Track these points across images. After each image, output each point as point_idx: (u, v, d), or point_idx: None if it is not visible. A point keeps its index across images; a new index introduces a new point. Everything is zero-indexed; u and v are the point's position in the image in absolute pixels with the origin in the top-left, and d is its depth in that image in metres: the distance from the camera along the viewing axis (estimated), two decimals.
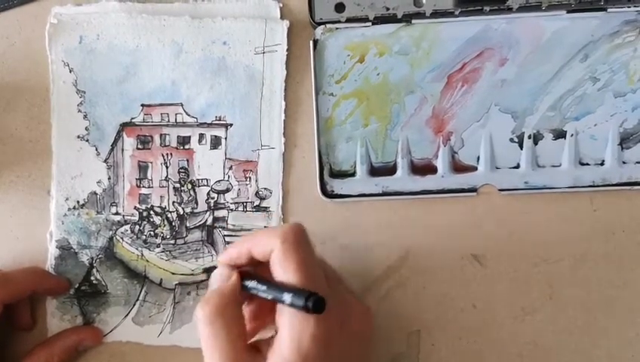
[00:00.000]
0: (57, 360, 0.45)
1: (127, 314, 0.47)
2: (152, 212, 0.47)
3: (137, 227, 0.47)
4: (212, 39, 0.46)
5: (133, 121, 0.47)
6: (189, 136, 0.47)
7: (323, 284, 0.37)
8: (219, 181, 0.47)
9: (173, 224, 0.47)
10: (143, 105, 0.47)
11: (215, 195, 0.47)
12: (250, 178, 0.47)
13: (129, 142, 0.47)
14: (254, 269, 0.39)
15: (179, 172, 0.47)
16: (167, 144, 0.47)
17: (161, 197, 0.47)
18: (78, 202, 0.47)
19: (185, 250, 0.47)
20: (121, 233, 0.47)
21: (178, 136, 0.47)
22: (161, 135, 0.47)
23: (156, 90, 0.47)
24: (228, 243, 0.47)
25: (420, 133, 0.46)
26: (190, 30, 0.46)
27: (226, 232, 0.47)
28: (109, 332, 0.47)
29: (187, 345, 0.46)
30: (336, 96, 0.46)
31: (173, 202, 0.47)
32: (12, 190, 0.47)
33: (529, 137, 0.46)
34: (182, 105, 0.47)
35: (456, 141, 0.46)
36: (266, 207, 0.47)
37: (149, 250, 0.47)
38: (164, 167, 0.47)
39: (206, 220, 0.47)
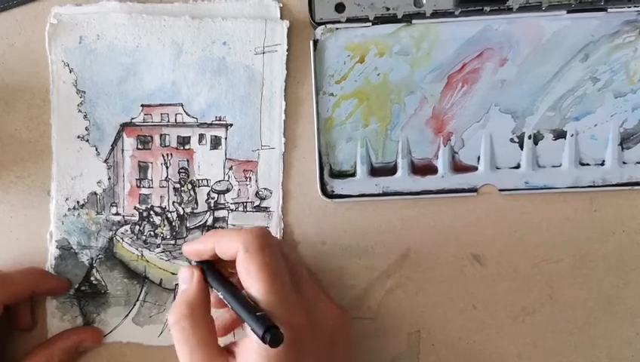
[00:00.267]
0: (57, 361, 0.45)
1: (127, 315, 0.47)
2: (152, 212, 0.47)
3: (137, 227, 0.47)
4: (212, 39, 0.46)
5: (133, 121, 0.47)
6: (189, 137, 0.47)
7: (287, 290, 0.37)
8: (219, 181, 0.47)
9: (174, 224, 0.47)
10: (143, 105, 0.47)
11: (215, 195, 0.47)
12: (250, 178, 0.47)
13: (129, 142, 0.47)
14: (222, 262, 0.40)
15: (179, 172, 0.47)
16: (167, 144, 0.47)
17: (161, 197, 0.47)
18: (78, 202, 0.47)
19: None
20: (121, 233, 0.47)
21: (178, 137, 0.47)
22: (161, 135, 0.47)
23: (156, 90, 0.47)
24: None
25: (420, 134, 0.46)
26: (190, 30, 0.46)
27: None
28: (109, 332, 0.47)
29: None
30: (337, 97, 0.46)
31: (174, 202, 0.47)
32: (12, 190, 0.47)
33: (529, 137, 0.46)
34: (182, 105, 0.47)
35: (456, 141, 0.46)
36: (266, 207, 0.47)
37: (149, 250, 0.47)
38: (164, 167, 0.47)
39: (206, 220, 0.47)
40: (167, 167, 0.47)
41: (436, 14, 0.46)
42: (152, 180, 0.47)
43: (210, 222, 0.47)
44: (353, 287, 0.47)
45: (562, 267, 0.46)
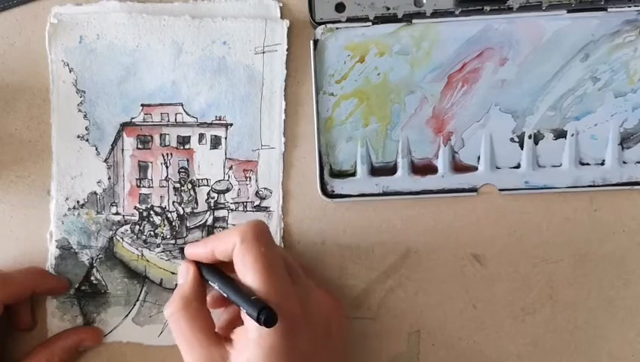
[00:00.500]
0: (58, 361, 0.45)
1: (127, 314, 0.47)
2: (152, 212, 0.47)
3: (137, 227, 0.47)
4: (212, 39, 0.46)
5: (133, 120, 0.47)
6: (189, 136, 0.47)
7: (282, 280, 0.38)
8: (219, 181, 0.47)
9: (174, 224, 0.47)
10: (143, 105, 0.47)
11: (215, 195, 0.47)
12: (250, 178, 0.47)
13: (129, 142, 0.47)
14: (221, 267, 0.41)
15: (179, 172, 0.47)
16: (167, 144, 0.47)
17: (161, 197, 0.47)
18: (78, 202, 0.47)
19: None
20: (121, 233, 0.47)
21: (178, 136, 0.47)
22: (161, 135, 0.47)
23: (156, 90, 0.47)
24: None
25: (421, 133, 0.46)
26: (190, 30, 0.46)
27: None
28: (109, 332, 0.47)
29: None
30: (337, 96, 0.46)
31: (174, 202, 0.47)
32: (12, 190, 0.47)
33: (529, 137, 0.46)
34: (182, 105, 0.47)
35: (456, 141, 0.46)
36: (266, 207, 0.47)
37: (149, 249, 0.47)
38: (164, 166, 0.47)
39: (206, 220, 0.47)
40: (167, 167, 0.47)
41: (436, 14, 0.45)
42: (152, 180, 0.47)
43: (210, 221, 0.47)
44: (353, 287, 0.47)
45: (562, 267, 0.46)
